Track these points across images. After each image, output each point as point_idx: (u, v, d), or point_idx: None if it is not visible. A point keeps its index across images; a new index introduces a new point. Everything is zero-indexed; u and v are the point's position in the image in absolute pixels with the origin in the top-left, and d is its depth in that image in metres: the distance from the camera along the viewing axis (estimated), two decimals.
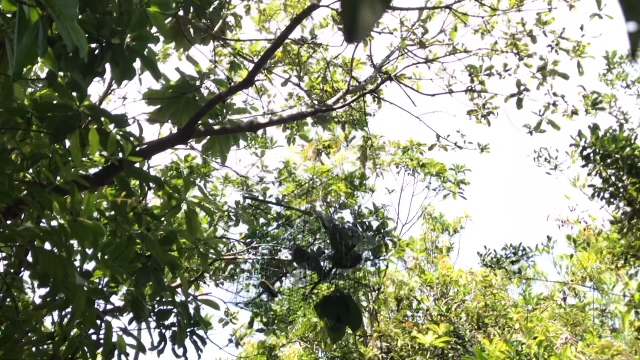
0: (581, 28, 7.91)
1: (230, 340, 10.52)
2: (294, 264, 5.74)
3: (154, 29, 3.98)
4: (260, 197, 8.87)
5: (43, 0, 2.41)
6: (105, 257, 3.51)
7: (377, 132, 10.19)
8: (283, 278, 5.93)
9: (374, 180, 11.53)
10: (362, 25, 0.87)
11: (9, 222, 3.70)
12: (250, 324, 8.03)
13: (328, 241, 5.69)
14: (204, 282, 8.18)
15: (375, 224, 9.55)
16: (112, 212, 4.30)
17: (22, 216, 4.07)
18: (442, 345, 9.26)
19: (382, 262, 9.66)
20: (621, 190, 8.10)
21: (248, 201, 8.56)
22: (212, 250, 5.22)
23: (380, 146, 11.24)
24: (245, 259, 8.07)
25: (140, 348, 3.82)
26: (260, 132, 8.70)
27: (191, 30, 6.09)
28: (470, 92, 8.37)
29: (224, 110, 5.73)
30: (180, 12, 5.71)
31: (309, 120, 8.79)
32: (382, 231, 9.24)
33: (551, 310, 11.22)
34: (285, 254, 6.01)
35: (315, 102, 8.46)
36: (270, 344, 10.98)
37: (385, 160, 11.56)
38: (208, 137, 5.65)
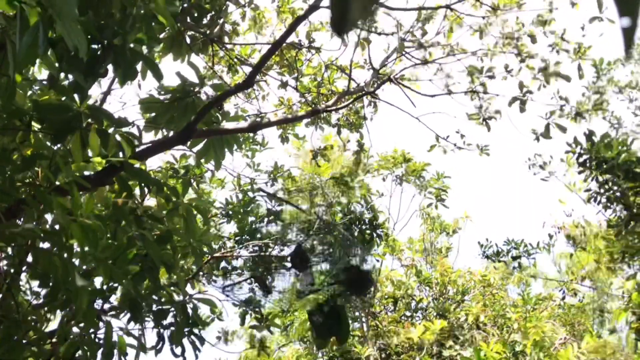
0: (582, 28, 7.87)
1: (219, 338, 10.46)
2: (293, 263, 5.74)
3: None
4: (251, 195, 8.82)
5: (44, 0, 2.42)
6: (105, 258, 3.52)
7: (365, 144, 10.03)
8: (276, 275, 5.92)
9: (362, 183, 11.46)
10: (350, 18, 0.88)
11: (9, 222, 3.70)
12: (242, 321, 8.01)
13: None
14: (199, 281, 8.18)
15: (367, 218, 9.58)
16: (112, 214, 4.31)
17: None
18: (430, 338, 9.22)
19: (375, 260, 9.65)
20: (618, 194, 8.12)
21: (240, 197, 8.54)
22: (205, 248, 5.22)
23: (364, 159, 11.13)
24: (237, 255, 8.07)
25: (142, 348, 3.83)
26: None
27: (188, 39, 6.05)
28: (471, 93, 8.30)
29: (219, 118, 5.63)
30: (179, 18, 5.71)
31: (303, 121, 8.79)
32: (374, 224, 9.24)
33: (550, 310, 11.22)
34: (277, 251, 6.01)
35: (313, 104, 8.47)
36: (262, 337, 10.89)
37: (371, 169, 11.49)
38: (202, 142, 5.51)
